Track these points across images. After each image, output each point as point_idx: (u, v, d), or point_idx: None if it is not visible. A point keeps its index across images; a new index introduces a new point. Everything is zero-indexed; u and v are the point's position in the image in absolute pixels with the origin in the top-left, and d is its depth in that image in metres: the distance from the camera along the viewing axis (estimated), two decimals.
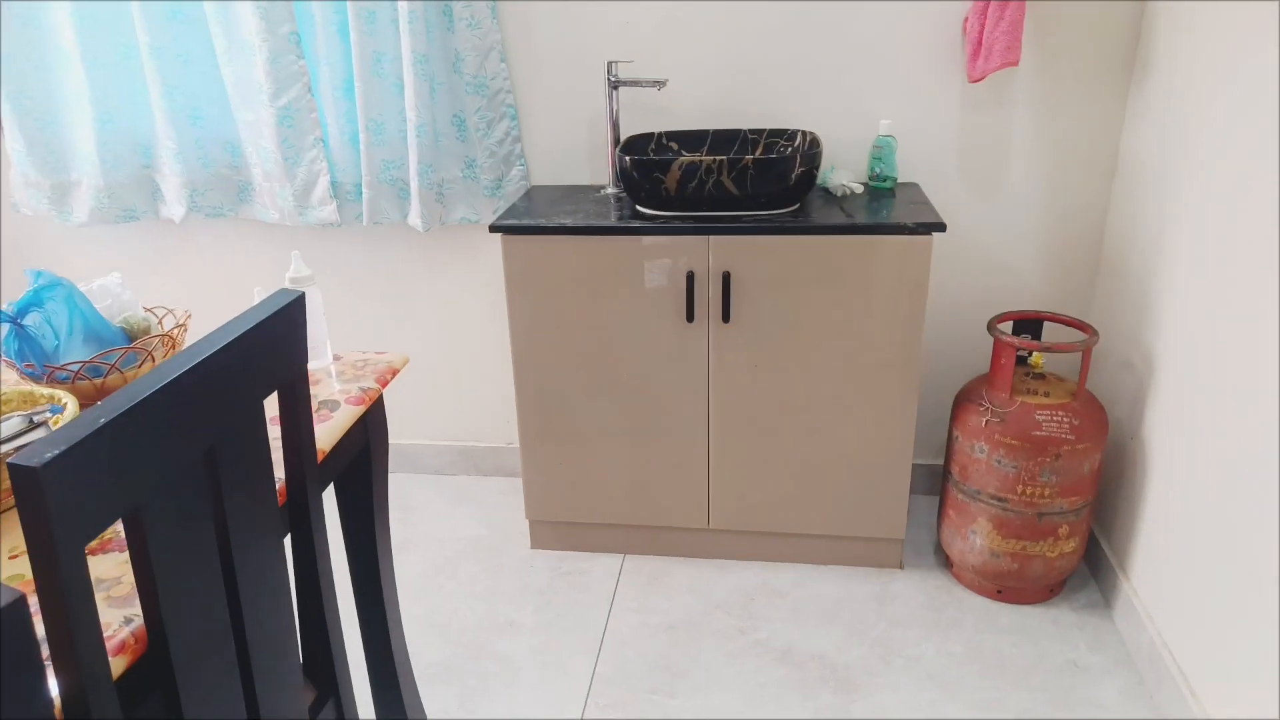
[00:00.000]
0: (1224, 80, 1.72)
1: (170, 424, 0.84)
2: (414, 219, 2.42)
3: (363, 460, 1.51)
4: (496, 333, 2.67)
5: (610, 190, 2.35)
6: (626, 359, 2.18)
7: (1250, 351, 1.58)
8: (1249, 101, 1.61)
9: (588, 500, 2.35)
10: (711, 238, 2.04)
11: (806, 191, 2.09)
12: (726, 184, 2.03)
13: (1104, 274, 2.33)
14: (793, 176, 2.03)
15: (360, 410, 1.38)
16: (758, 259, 2.04)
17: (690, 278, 2.07)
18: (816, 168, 2.07)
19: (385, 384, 1.48)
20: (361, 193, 2.43)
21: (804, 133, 2.25)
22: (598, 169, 2.46)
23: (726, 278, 2.06)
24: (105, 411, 0.75)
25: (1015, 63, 2.10)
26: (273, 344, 1.03)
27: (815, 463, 2.22)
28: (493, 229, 2.09)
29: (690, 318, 2.11)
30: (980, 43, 2.12)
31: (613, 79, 2.26)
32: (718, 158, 2.01)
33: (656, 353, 2.16)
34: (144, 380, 0.82)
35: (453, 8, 2.25)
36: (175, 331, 1.41)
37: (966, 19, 2.18)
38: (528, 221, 2.10)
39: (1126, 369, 2.16)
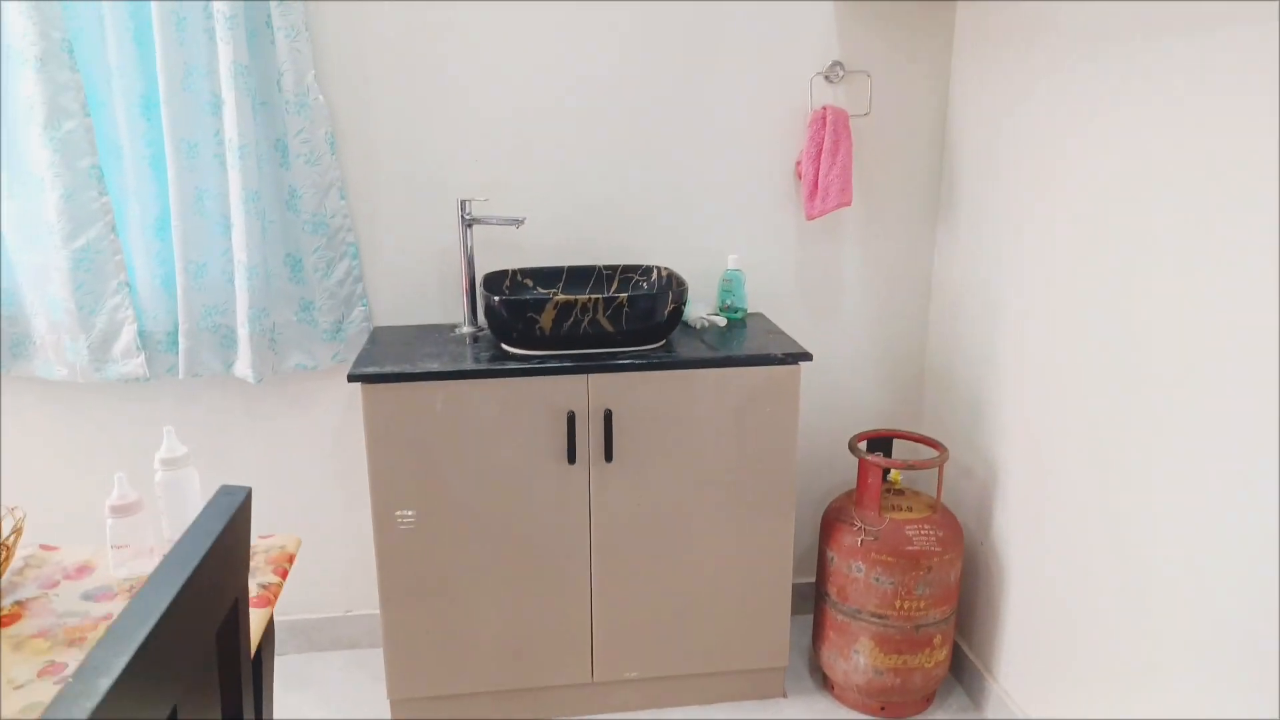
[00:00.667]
0: (1026, 214, 1.96)
1: (141, 687, 0.64)
2: (242, 369, 2.16)
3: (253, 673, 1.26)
4: (334, 488, 2.41)
5: (466, 329, 2.24)
6: (503, 507, 2.04)
7: (1078, 451, 1.76)
8: (1046, 231, 1.84)
9: (461, 667, 2.13)
10: (591, 376, 1.99)
11: (675, 326, 2.11)
12: (602, 322, 2.01)
13: (932, 388, 2.54)
14: (665, 312, 2.05)
15: (268, 612, 1.17)
16: (638, 395, 2.01)
17: (571, 418, 1.99)
18: (685, 303, 2.10)
19: (285, 574, 1.27)
20: (177, 342, 2.14)
21: (659, 268, 2.29)
22: (449, 307, 2.34)
23: (609, 416, 2.00)
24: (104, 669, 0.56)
25: (849, 203, 2.28)
26: (226, 561, 0.84)
27: (699, 598, 2.17)
28: (352, 378, 1.91)
29: (572, 459, 2.02)
30: (816, 185, 2.29)
31: (467, 217, 2.18)
32: (593, 296, 1.98)
33: (536, 498, 2.04)
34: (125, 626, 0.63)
35: (288, 143, 2.09)
36: (11, 540, 1.13)
37: (799, 162, 2.35)
38: (393, 369, 1.93)
39: (967, 476, 2.33)
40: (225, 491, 0.89)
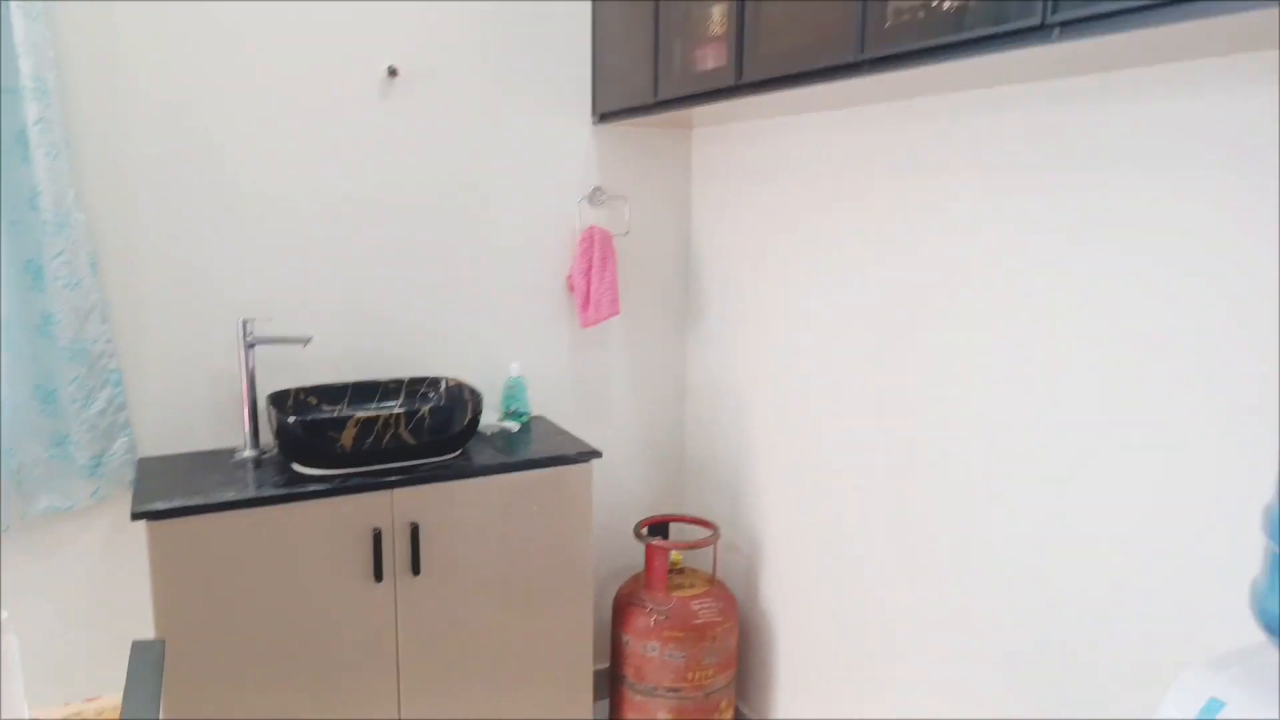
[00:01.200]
0: (759, 316, 2.33)
1: None
2: None
3: None
4: (99, 639, 2.16)
5: (248, 454, 2.17)
6: (309, 634, 1.97)
7: (823, 520, 2.11)
8: (777, 333, 2.21)
9: None
10: (395, 491, 2.02)
11: (472, 435, 2.20)
12: (404, 435, 2.05)
13: (694, 474, 2.82)
14: (465, 422, 2.14)
15: None
16: (441, 506, 2.07)
17: (377, 535, 2.00)
18: (481, 412, 2.20)
19: None
20: None
21: (446, 379, 2.37)
22: (223, 432, 2.24)
23: (415, 530, 2.04)
24: None
25: (618, 313, 2.54)
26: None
27: (506, 699, 2.22)
28: (138, 515, 1.78)
29: (379, 576, 2.02)
30: (589, 297, 2.52)
31: (249, 338, 2.14)
32: (396, 410, 2.03)
33: (343, 620, 2.00)
34: None
35: (43, 265, 1.94)
36: None
37: (570, 276, 2.57)
38: (183, 501, 1.83)
39: (733, 551, 2.62)
40: (141, 648, 0.87)
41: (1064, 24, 1.13)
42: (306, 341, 2.16)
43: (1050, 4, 1.13)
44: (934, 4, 1.46)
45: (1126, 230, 1.40)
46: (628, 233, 2.63)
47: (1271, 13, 0.95)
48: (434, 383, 2.39)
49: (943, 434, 1.80)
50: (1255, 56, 1.21)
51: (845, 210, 2.04)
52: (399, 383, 2.37)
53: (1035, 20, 1.16)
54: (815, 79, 1.62)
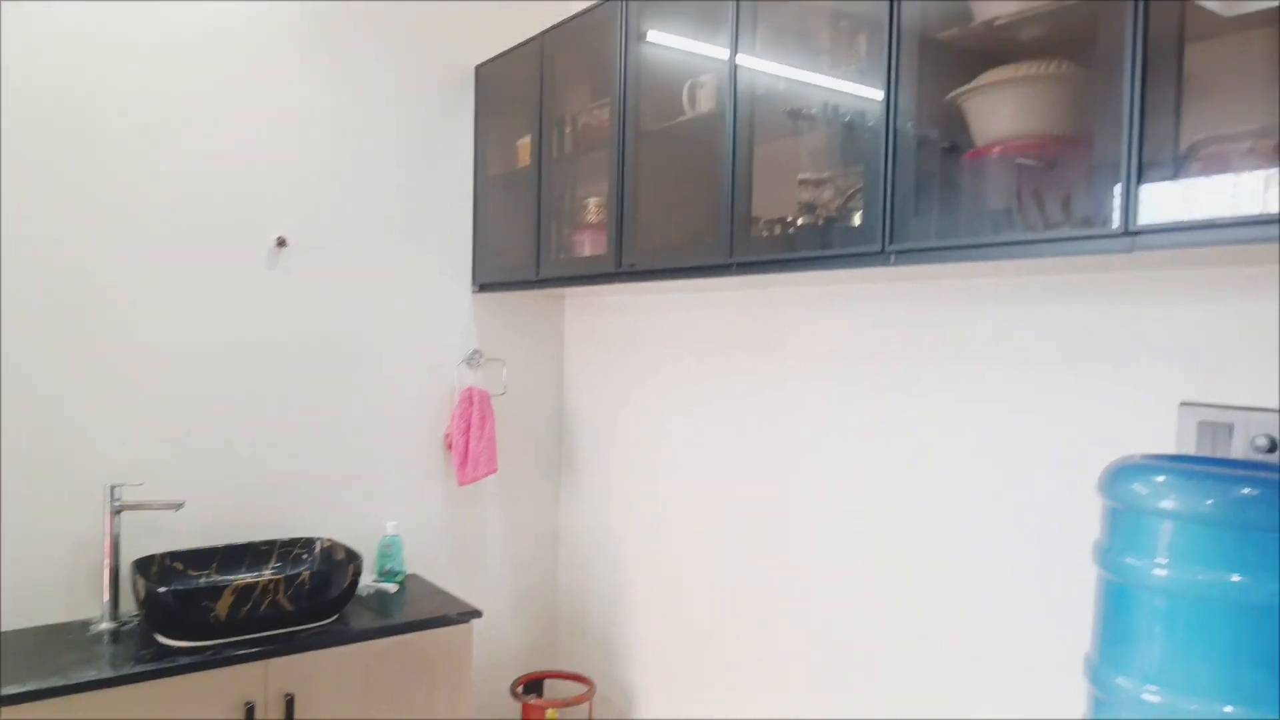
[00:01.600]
0: (628, 472, 2.48)
1: None
2: None
3: None
4: None
5: (105, 625, 2.06)
6: None
7: (694, 674, 2.22)
8: (647, 489, 2.37)
9: None
10: (270, 661, 1.97)
11: (350, 598, 2.19)
12: (283, 602, 2.02)
13: (567, 626, 2.87)
14: (344, 585, 2.13)
15: None
16: (318, 675, 2.03)
17: (249, 709, 1.93)
18: (360, 574, 2.20)
19: None
20: None
21: (320, 540, 2.36)
22: (76, 603, 2.13)
23: (290, 701, 1.98)
24: None
25: (495, 470, 2.62)
26: None
27: None
28: None
29: None
30: (468, 455, 2.60)
31: (116, 503, 2.08)
32: (274, 577, 2.01)
33: None
34: None
35: None
36: None
37: (448, 434, 2.65)
38: (37, 684, 1.73)
39: (604, 704, 2.66)
40: None
41: (898, 252, 1.40)
42: (178, 507, 2.12)
43: (888, 238, 1.40)
44: (793, 221, 1.73)
45: (924, 392, 1.67)
46: (504, 392, 2.75)
47: (1038, 261, 1.23)
48: (307, 544, 2.37)
49: (800, 576, 1.98)
50: (1032, 280, 1.52)
51: (703, 376, 2.26)
52: (271, 545, 2.33)
53: (877, 247, 1.42)
54: (688, 274, 1.85)
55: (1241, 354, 1.28)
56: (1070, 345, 1.48)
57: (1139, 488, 1.11)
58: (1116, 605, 1.13)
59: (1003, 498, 1.58)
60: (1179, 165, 1.08)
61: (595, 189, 2.46)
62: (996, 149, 1.36)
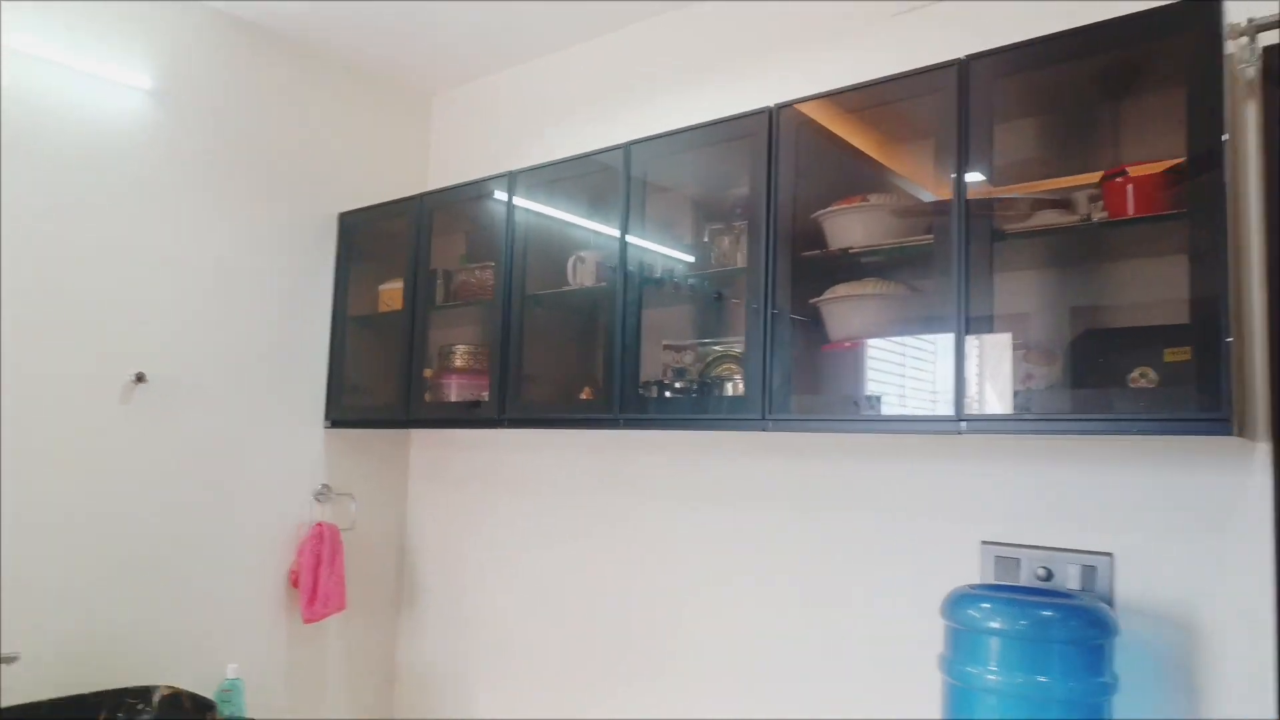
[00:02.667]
0: (470, 603, 2.60)
1: None
2: None
3: None
4: None
5: None
6: None
7: None
8: (491, 620, 2.51)
9: None
10: None
11: None
12: None
13: None
14: None
15: None
16: None
17: None
18: None
19: None
20: None
21: (161, 688, 2.25)
22: None
23: None
24: None
25: (343, 607, 2.63)
26: None
27: None
28: None
29: None
30: (316, 592, 2.59)
31: None
32: None
33: None
34: None
35: None
36: None
37: (294, 571, 2.63)
38: None
39: None
40: None
41: (775, 420, 1.73)
42: (13, 660, 1.97)
43: (768, 408, 1.73)
44: (670, 383, 2.03)
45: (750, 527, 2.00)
46: (352, 527, 2.78)
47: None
48: (145, 694, 2.24)
49: (645, 689, 2.19)
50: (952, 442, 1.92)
51: (546, 511, 2.47)
52: (101, 696, 2.19)
53: (758, 415, 1.75)
54: (573, 425, 2.08)
55: (1028, 504, 1.71)
56: (906, 494, 1.87)
57: (973, 612, 1.47)
58: (960, 705, 1.47)
59: (848, 617, 1.92)
60: (990, 367, 1.49)
61: (462, 337, 2.65)
62: (847, 344, 1.75)
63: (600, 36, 2.61)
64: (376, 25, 2.61)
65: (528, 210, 2.27)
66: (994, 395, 1.50)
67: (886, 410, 1.60)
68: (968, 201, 1.53)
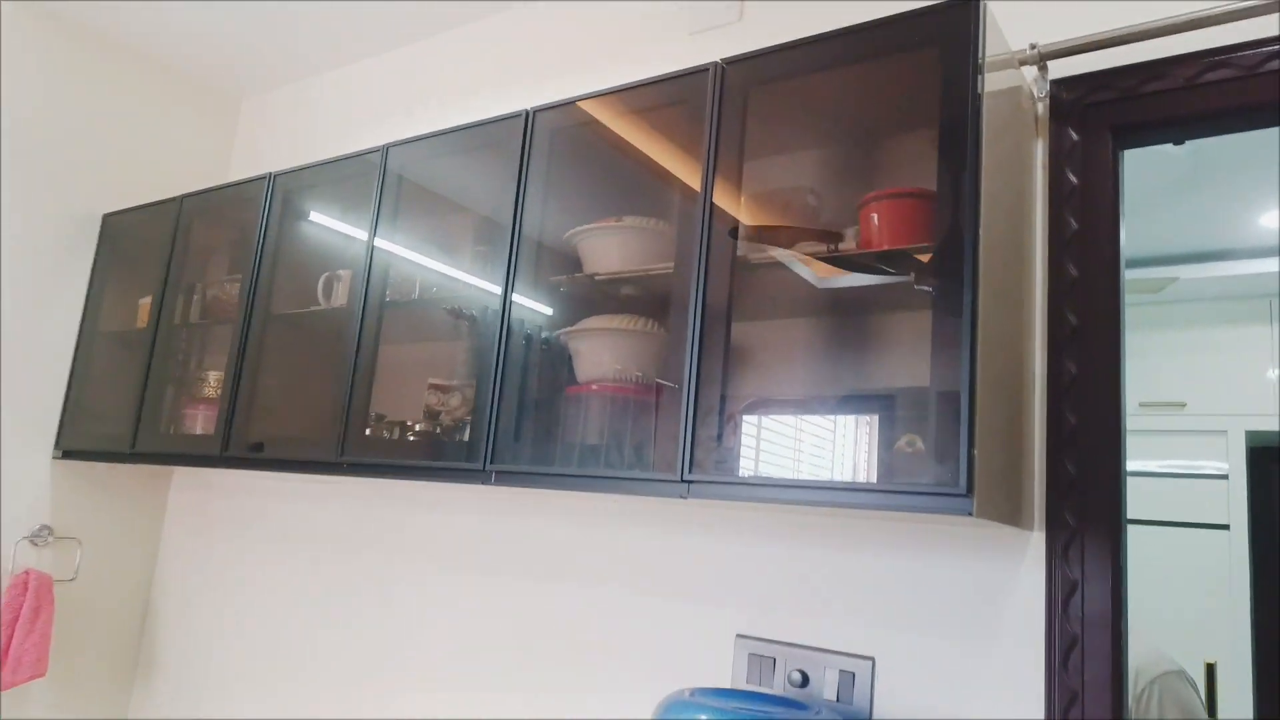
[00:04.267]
0: (228, 667, 2.22)
1: None
2: None
3: None
4: None
5: None
6: None
7: None
8: (248, 688, 2.13)
9: None
10: None
11: None
12: None
13: None
14: None
15: None
16: None
17: None
18: None
19: None
20: None
21: None
22: None
23: None
24: None
25: (44, 674, 2.20)
26: None
27: None
28: None
29: None
30: (8, 654, 2.16)
31: None
32: None
33: None
34: None
35: None
36: None
37: None
38: None
39: None
40: None
41: (499, 472, 1.44)
42: None
43: (489, 457, 1.45)
44: (411, 426, 1.73)
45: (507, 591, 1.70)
46: (74, 578, 2.36)
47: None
48: None
49: None
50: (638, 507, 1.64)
51: (314, 569, 2.12)
52: None
53: (479, 465, 1.46)
54: (297, 469, 1.76)
55: (787, 594, 1.45)
56: (658, 572, 1.59)
57: None
58: None
59: (581, 715, 1.61)
60: (724, 427, 1.24)
61: (219, 363, 2.31)
62: (594, 386, 1.48)
63: (412, 44, 2.37)
64: (183, 19, 2.33)
65: (292, 224, 1.98)
66: (743, 457, 1.25)
67: (614, 468, 1.33)
68: (711, 228, 1.30)
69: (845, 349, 1.41)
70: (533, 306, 1.50)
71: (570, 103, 1.51)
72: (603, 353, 1.49)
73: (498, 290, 1.52)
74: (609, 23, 1.96)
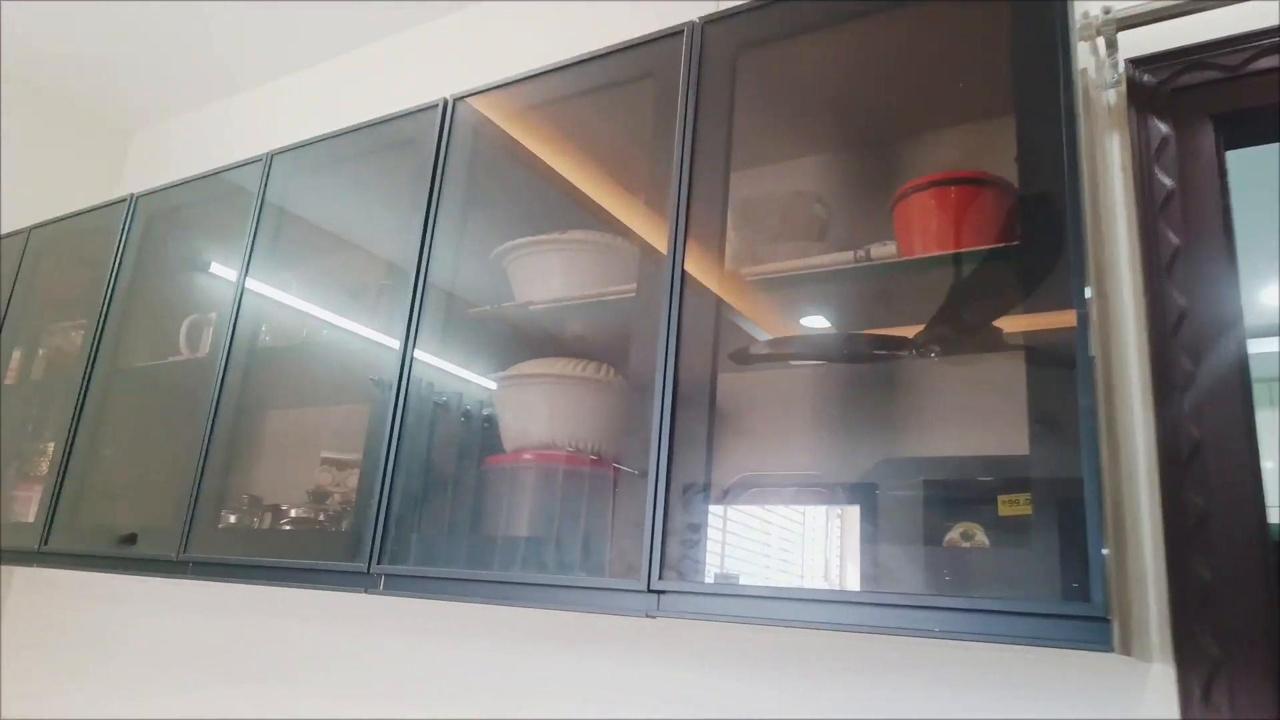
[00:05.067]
0: None
1: None
2: None
3: None
4: None
5: None
6: None
7: None
8: None
9: None
10: None
11: None
12: None
13: None
14: None
15: None
16: None
17: None
18: None
19: None
20: None
21: None
22: None
23: None
24: None
25: None
26: None
27: None
28: None
29: None
30: None
31: None
32: None
33: None
34: None
35: None
36: None
37: None
38: None
39: None
40: None
41: (389, 576, 1.03)
42: None
43: (376, 555, 1.04)
44: (287, 511, 1.32)
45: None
46: None
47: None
48: None
49: None
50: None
51: (194, 696, 1.64)
52: None
53: (363, 566, 1.05)
54: (125, 568, 1.32)
55: None
56: (606, 700, 1.17)
57: None
58: None
59: None
60: (706, 513, 0.86)
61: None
62: (526, 456, 1.09)
63: (323, 60, 2.03)
64: (69, 50, 1.99)
65: (168, 254, 1.59)
66: (730, 555, 0.87)
67: (552, 571, 0.93)
68: (687, 237, 0.94)
69: (871, 402, 1.04)
70: (437, 360, 1.12)
71: (504, 85, 1.16)
72: (538, 409, 1.10)
73: (396, 338, 1.13)
74: (549, 21, 1.64)
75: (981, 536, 0.95)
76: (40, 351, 1.78)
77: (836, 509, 1.02)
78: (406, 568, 1.01)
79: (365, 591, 1.04)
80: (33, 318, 1.79)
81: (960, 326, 0.87)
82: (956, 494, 0.97)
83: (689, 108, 0.99)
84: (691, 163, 0.97)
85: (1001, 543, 0.89)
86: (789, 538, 0.93)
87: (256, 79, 2.12)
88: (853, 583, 0.83)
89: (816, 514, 1.01)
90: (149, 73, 2.12)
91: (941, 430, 1.01)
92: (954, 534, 0.98)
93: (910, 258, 0.85)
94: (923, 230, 0.86)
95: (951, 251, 0.83)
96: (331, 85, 1.97)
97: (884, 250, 0.86)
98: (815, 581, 0.87)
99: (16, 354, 1.76)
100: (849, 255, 0.87)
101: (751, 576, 0.84)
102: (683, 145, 0.98)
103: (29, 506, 1.69)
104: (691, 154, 0.97)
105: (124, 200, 1.62)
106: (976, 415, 0.98)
